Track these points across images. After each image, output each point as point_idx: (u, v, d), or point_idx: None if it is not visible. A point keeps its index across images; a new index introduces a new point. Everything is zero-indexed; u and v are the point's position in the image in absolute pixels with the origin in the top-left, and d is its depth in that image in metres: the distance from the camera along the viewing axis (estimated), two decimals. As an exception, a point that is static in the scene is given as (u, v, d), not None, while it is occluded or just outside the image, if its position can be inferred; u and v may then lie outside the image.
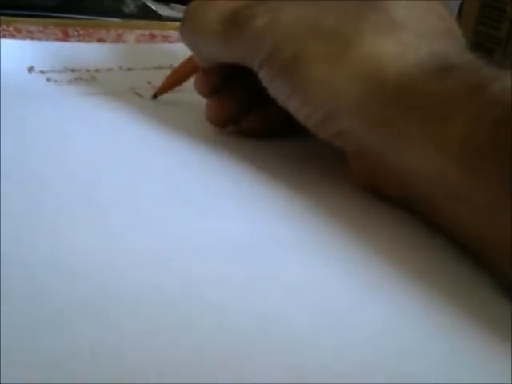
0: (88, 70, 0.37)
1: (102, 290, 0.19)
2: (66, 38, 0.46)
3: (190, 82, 0.34)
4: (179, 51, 0.44)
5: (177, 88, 0.36)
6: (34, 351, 0.16)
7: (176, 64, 0.41)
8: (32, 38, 0.43)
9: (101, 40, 0.46)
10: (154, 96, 0.36)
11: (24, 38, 0.43)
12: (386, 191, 0.27)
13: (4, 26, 0.45)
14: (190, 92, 0.36)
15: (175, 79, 0.35)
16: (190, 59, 0.34)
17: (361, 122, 0.26)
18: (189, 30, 0.30)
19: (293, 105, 0.27)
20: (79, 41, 0.45)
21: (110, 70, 0.38)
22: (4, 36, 0.43)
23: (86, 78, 0.36)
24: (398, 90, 0.25)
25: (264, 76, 0.28)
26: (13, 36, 0.43)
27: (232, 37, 0.28)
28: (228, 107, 0.32)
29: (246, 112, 0.32)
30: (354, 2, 0.27)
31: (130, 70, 0.39)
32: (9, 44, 0.39)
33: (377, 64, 0.25)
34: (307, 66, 0.26)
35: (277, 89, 0.28)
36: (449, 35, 0.27)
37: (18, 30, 0.45)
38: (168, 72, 0.39)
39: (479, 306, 0.21)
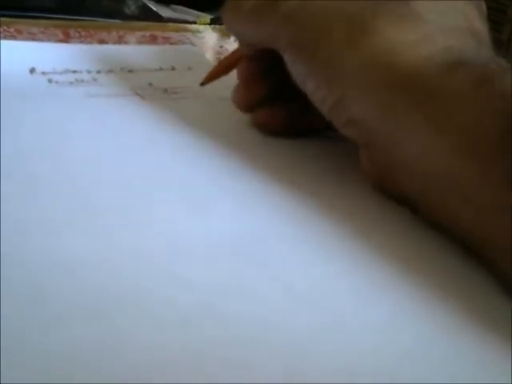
0: (89, 72, 0.37)
1: (102, 291, 0.19)
2: (67, 39, 0.45)
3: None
4: (180, 53, 0.44)
5: (180, 90, 0.36)
6: (34, 352, 0.16)
7: (177, 65, 0.41)
8: (33, 39, 0.43)
9: (102, 41, 0.46)
10: (202, 84, 0.36)
11: (25, 39, 0.43)
12: (390, 187, 0.27)
13: (5, 27, 0.45)
14: (191, 94, 0.36)
15: (221, 69, 0.36)
16: (235, 51, 0.36)
17: (369, 108, 0.26)
18: (229, 12, 0.32)
19: (310, 87, 0.28)
20: (80, 42, 0.45)
21: (111, 71, 0.38)
22: (5, 37, 0.43)
23: (87, 80, 0.36)
24: (406, 80, 0.25)
25: (288, 58, 0.29)
26: (14, 37, 0.43)
27: (264, 18, 0.30)
28: (256, 91, 0.33)
29: (268, 104, 0.33)
30: None
31: (131, 71, 0.39)
32: (10, 45, 0.39)
33: (389, 51, 0.26)
34: (326, 49, 0.27)
35: (297, 71, 0.29)
36: (469, 33, 0.27)
37: (19, 31, 0.45)
38: (169, 73, 0.39)
39: (481, 306, 0.21)
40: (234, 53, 0.36)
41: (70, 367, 0.16)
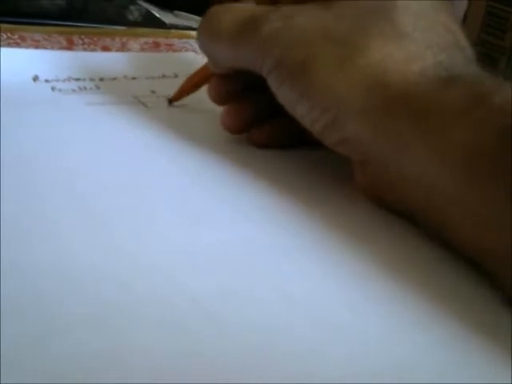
0: (92, 79, 0.37)
1: (100, 297, 0.19)
2: (70, 46, 0.46)
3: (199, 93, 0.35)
4: (183, 60, 0.44)
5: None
6: (35, 358, 0.16)
7: (180, 73, 0.41)
8: (37, 46, 0.44)
9: (105, 48, 0.46)
10: (170, 102, 0.36)
11: (29, 46, 0.44)
12: (388, 201, 0.27)
13: (9, 34, 0.45)
14: (194, 102, 0.36)
15: (190, 86, 0.36)
16: (205, 66, 0.34)
17: (364, 128, 0.26)
18: (205, 33, 0.31)
19: (299, 110, 0.28)
20: (84, 49, 0.45)
21: (115, 78, 0.38)
22: (9, 44, 0.43)
23: (90, 88, 0.36)
24: (401, 97, 0.25)
25: (272, 82, 0.28)
26: (17, 44, 0.43)
27: (244, 41, 0.29)
28: (244, 113, 0.33)
29: (260, 122, 0.33)
30: (366, 11, 0.27)
31: (134, 79, 0.39)
32: (12, 52, 0.40)
33: (382, 70, 0.26)
34: (315, 71, 0.26)
35: (285, 94, 0.28)
36: (455, 47, 0.27)
37: (23, 38, 0.45)
38: (172, 81, 0.39)
39: (480, 317, 0.21)
40: (203, 68, 0.35)
41: (69, 372, 0.16)
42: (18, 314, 0.18)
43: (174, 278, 0.21)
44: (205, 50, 0.32)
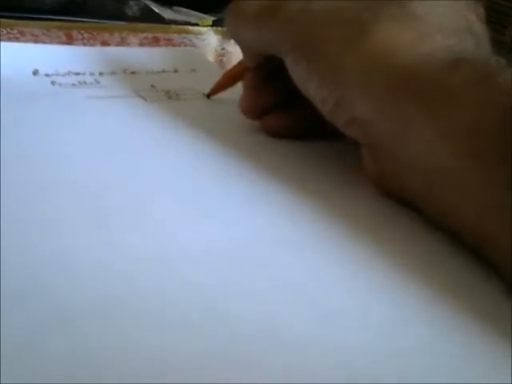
0: (92, 74, 0.37)
1: (104, 293, 0.19)
2: (70, 40, 0.46)
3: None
4: (182, 55, 0.44)
5: (183, 92, 0.36)
6: (35, 353, 0.16)
7: (179, 67, 0.41)
8: (36, 41, 0.44)
9: (105, 43, 0.46)
10: (208, 96, 0.37)
11: (28, 40, 0.44)
12: (393, 190, 0.27)
13: (8, 29, 0.45)
14: (194, 96, 0.36)
15: (228, 79, 0.37)
16: (241, 61, 0.36)
17: (370, 107, 0.26)
18: (232, 17, 0.32)
19: (311, 89, 0.28)
20: (83, 44, 0.45)
21: (114, 73, 0.38)
22: (8, 39, 0.43)
23: (90, 82, 0.36)
24: (407, 78, 0.25)
25: (289, 63, 0.29)
26: (17, 39, 0.43)
27: (266, 24, 0.30)
28: (263, 99, 0.33)
29: (275, 110, 0.33)
30: None
31: (133, 73, 0.39)
32: (12, 47, 0.39)
33: (389, 50, 0.26)
34: (327, 52, 0.27)
35: (298, 74, 0.29)
36: (468, 33, 0.27)
37: (22, 33, 0.45)
38: (171, 75, 0.39)
39: (482, 306, 0.21)
40: (239, 64, 0.36)
41: (70, 368, 0.16)
42: (19, 308, 0.18)
43: (177, 271, 0.21)
44: (233, 34, 0.33)
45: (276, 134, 0.33)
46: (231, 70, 0.37)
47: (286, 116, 0.34)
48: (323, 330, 0.19)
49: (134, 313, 0.18)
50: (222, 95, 0.37)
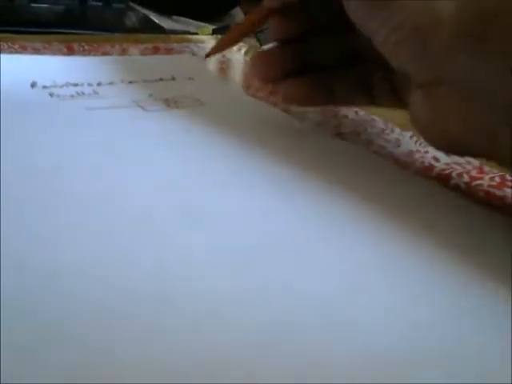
0: (90, 84, 0.38)
1: (113, 299, 0.19)
2: (71, 53, 0.46)
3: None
4: (180, 62, 0.45)
5: (181, 100, 0.36)
6: (36, 357, 0.16)
7: (177, 75, 0.41)
8: (37, 55, 0.44)
9: (106, 55, 0.47)
10: (207, 55, 0.36)
11: (29, 54, 0.44)
12: (451, 134, 0.26)
13: (10, 44, 0.46)
14: (192, 104, 0.36)
15: (232, 37, 0.36)
16: (248, 18, 0.35)
17: (455, 39, 0.24)
18: None
19: (380, 16, 0.26)
20: (84, 56, 0.46)
21: (112, 83, 0.38)
22: (10, 53, 0.43)
23: (88, 93, 0.37)
24: (490, 11, 0.24)
25: None
26: (19, 54, 0.44)
27: None
28: (274, 65, 0.33)
29: (291, 77, 0.33)
30: None
31: (131, 82, 0.39)
32: (10, 59, 0.40)
33: None
34: None
35: (359, 4, 0.27)
36: None
37: (24, 47, 0.46)
38: (170, 84, 0.39)
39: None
40: (247, 19, 0.35)
41: (71, 369, 0.16)
42: (16, 311, 0.18)
43: (183, 274, 0.21)
44: None
45: (295, 101, 0.33)
46: (238, 25, 0.36)
47: (306, 83, 0.33)
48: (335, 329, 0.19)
49: (139, 319, 0.18)
50: (220, 102, 0.37)
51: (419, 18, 0.25)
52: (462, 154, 0.27)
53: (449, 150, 0.27)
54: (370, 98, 0.33)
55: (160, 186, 0.27)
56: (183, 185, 0.27)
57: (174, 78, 0.41)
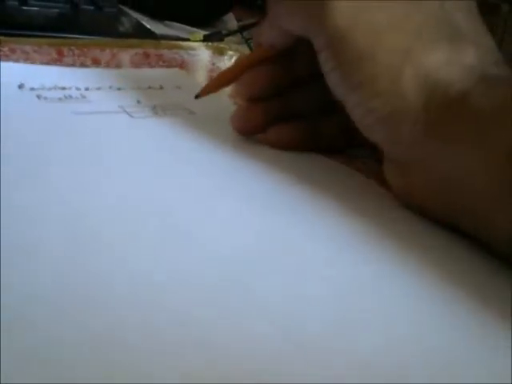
0: (78, 89, 0.38)
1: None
2: (60, 57, 0.46)
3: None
4: (168, 74, 0.45)
5: (169, 108, 0.36)
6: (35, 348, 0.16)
7: (165, 85, 0.41)
8: (27, 58, 0.44)
9: (96, 60, 0.46)
10: (197, 96, 0.36)
11: (18, 58, 0.44)
12: (418, 202, 0.27)
13: (-1, 46, 0.45)
14: (180, 112, 0.36)
15: (222, 81, 0.36)
16: (238, 63, 0.35)
17: (421, 126, 0.26)
18: None
19: (354, 98, 0.27)
20: (73, 61, 0.45)
21: (100, 88, 0.38)
22: (-1, 56, 0.43)
23: (75, 96, 0.36)
24: (459, 97, 0.25)
25: (327, 59, 0.28)
26: (7, 56, 0.44)
27: (311, 6, 0.28)
28: (257, 116, 0.33)
29: (276, 123, 0.33)
30: (434, 16, 0.27)
31: (119, 89, 0.39)
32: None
33: (445, 71, 0.26)
34: (381, 61, 0.26)
35: (339, 78, 0.28)
36: (496, 51, 0.28)
37: (13, 50, 0.45)
38: (157, 92, 0.39)
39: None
40: (237, 64, 0.35)
41: (72, 360, 0.16)
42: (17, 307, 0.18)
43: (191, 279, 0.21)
44: (272, 11, 0.31)
45: (282, 147, 0.33)
46: (228, 70, 0.36)
47: (291, 129, 0.34)
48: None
49: (147, 332, 0.18)
50: (208, 111, 0.37)
51: (389, 106, 0.26)
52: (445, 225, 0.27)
53: (427, 214, 0.28)
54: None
55: (144, 191, 0.27)
56: (167, 191, 0.27)
57: (161, 87, 0.41)
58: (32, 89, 0.36)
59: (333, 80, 0.28)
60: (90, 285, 0.20)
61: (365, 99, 0.27)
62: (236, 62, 0.36)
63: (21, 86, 0.36)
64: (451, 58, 0.26)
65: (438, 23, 0.27)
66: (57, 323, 0.18)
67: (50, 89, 0.37)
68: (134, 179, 0.28)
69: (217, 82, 0.36)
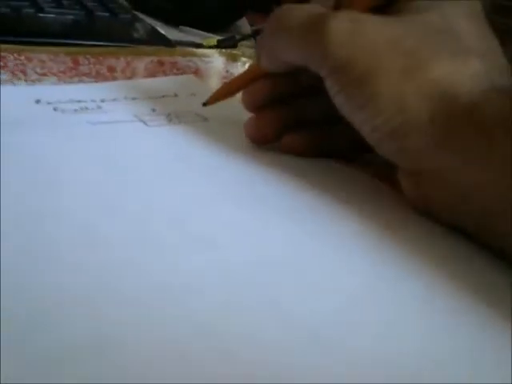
0: (94, 100, 0.38)
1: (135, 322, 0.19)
2: (76, 65, 0.46)
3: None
4: (183, 82, 0.45)
5: (184, 115, 0.36)
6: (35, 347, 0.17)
7: (179, 92, 0.41)
8: (43, 67, 0.44)
9: (111, 68, 0.47)
10: (205, 104, 0.37)
11: (35, 66, 0.44)
12: (441, 215, 0.28)
13: (16, 55, 0.46)
14: (195, 119, 0.36)
15: (230, 89, 0.37)
16: (246, 72, 0.36)
17: (428, 139, 0.26)
18: (273, 26, 0.31)
19: (360, 117, 0.28)
20: (89, 69, 0.46)
21: (115, 99, 0.39)
22: (16, 65, 0.44)
23: (91, 108, 0.37)
24: (468, 109, 0.26)
25: (332, 85, 0.29)
26: (24, 65, 0.44)
27: (310, 36, 0.29)
28: (268, 125, 0.34)
29: (290, 130, 0.34)
30: (433, 29, 0.28)
31: (134, 99, 0.39)
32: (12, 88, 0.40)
33: (449, 83, 0.26)
34: (381, 80, 0.27)
35: (344, 100, 0.29)
36: (505, 68, 0.28)
37: (30, 59, 0.46)
38: (173, 100, 0.39)
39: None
40: (246, 73, 0.36)
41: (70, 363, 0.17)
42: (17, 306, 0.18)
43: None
44: (268, 43, 0.32)
45: (295, 152, 0.34)
46: (237, 78, 0.37)
47: (302, 137, 0.34)
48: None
49: (155, 341, 0.19)
50: (225, 117, 0.38)
51: (394, 122, 0.27)
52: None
53: (443, 222, 0.28)
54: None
55: (160, 200, 0.27)
56: (185, 200, 0.28)
57: (176, 95, 0.41)
58: (49, 103, 0.37)
59: (338, 102, 0.29)
60: (101, 291, 0.21)
61: (369, 117, 0.28)
62: (245, 70, 0.37)
63: (38, 101, 0.37)
64: (455, 69, 0.27)
65: (438, 35, 0.28)
66: (60, 325, 0.19)
67: (66, 102, 0.37)
68: (150, 187, 0.28)
69: (225, 91, 0.37)
